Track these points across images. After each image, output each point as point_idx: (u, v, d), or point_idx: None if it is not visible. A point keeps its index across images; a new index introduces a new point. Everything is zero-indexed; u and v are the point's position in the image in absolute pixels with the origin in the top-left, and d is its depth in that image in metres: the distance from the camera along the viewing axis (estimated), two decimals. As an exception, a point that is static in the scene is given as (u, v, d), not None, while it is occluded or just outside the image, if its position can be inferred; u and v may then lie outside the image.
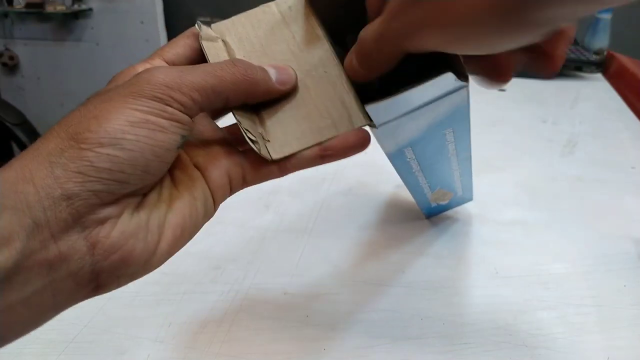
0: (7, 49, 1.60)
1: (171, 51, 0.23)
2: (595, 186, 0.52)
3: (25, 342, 0.20)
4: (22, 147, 0.89)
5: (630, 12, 1.09)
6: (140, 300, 0.35)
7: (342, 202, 0.48)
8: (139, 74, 0.20)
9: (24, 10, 1.50)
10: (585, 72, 1.01)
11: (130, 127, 0.18)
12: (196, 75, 0.20)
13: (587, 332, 0.33)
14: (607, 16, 1.01)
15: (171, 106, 0.19)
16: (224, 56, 0.22)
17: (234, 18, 0.23)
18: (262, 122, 0.22)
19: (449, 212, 0.46)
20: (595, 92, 0.93)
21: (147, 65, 0.22)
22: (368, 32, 0.20)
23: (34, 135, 0.91)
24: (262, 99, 0.22)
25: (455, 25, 0.17)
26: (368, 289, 0.37)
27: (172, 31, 1.48)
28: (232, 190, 0.23)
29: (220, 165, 0.23)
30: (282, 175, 0.24)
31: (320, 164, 0.23)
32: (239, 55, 0.22)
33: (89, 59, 1.55)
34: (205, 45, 0.22)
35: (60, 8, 1.47)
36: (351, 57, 0.21)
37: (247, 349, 0.31)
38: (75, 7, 1.48)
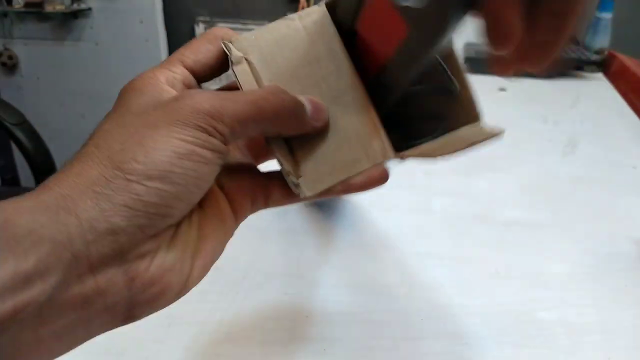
0: (6, 49, 1.59)
1: (192, 57, 0.21)
2: (595, 186, 0.52)
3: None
4: (21, 147, 0.89)
5: (631, 12, 1.09)
6: (139, 300, 0.35)
7: (343, 201, 0.48)
8: (180, 98, 0.18)
9: (23, 9, 1.50)
10: (586, 71, 1.01)
11: (178, 160, 0.17)
12: (238, 105, 0.19)
13: (588, 332, 0.33)
14: (608, 16, 1.01)
15: (214, 137, 0.18)
16: (251, 81, 0.21)
17: (256, 32, 0.21)
18: (293, 156, 0.21)
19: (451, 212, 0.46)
20: (596, 92, 0.93)
21: (167, 72, 0.20)
22: None
23: (33, 135, 0.91)
24: (295, 134, 0.21)
25: None
26: (368, 289, 0.37)
27: (172, 31, 1.48)
28: (252, 211, 0.23)
29: (244, 187, 0.22)
30: (303, 201, 0.23)
31: (342, 195, 0.23)
32: (265, 79, 0.21)
33: (88, 59, 1.55)
34: (237, 71, 0.20)
35: (59, 8, 1.46)
36: None
37: (247, 349, 0.31)
38: (75, 6, 1.48)
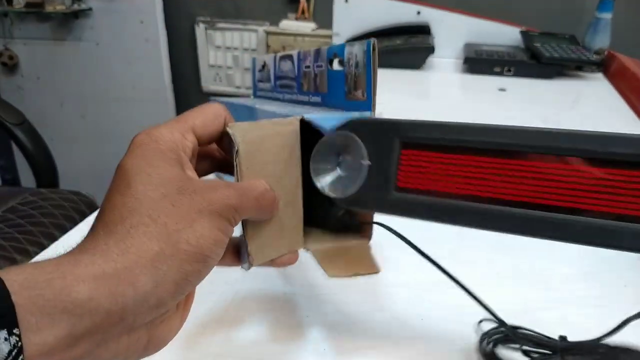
0: (6, 49, 1.59)
1: (201, 128, 0.24)
2: (595, 186, 0.52)
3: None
4: (22, 147, 0.89)
5: (631, 12, 1.09)
6: (139, 300, 0.35)
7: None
8: (215, 189, 0.21)
9: (23, 9, 1.49)
10: (585, 71, 1.01)
11: (215, 247, 0.21)
12: (249, 201, 0.23)
13: (588, 332, 0.33)
14: (607, 16, 1.01)
15: (232, 225, 0.22)
16: (239, 171, 0.24)
17: (247, 125, 0.24)
18: (245, 233, 0.25)
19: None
20: (595, 92, 0.93)
21: (183, 140, 0.23)
22: None
23: (34, 135, 0.91)
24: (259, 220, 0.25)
25: None
26: (368, 289, 0.37)
27: (172, 31, 1.48)
28: None
29: None
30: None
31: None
32: (244, 166, 0.24)
33: (88, 59, 1.54)
34: (237, 161, 0.24)
35: (60, 8, 1.46)
36: None
37: (247, 348, 0.31)
38: (75, 6, 1.47)
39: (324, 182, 0.26)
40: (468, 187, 0.22)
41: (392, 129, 0.24)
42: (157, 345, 0.21)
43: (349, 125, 0.25)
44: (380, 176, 0.24)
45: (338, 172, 0.26)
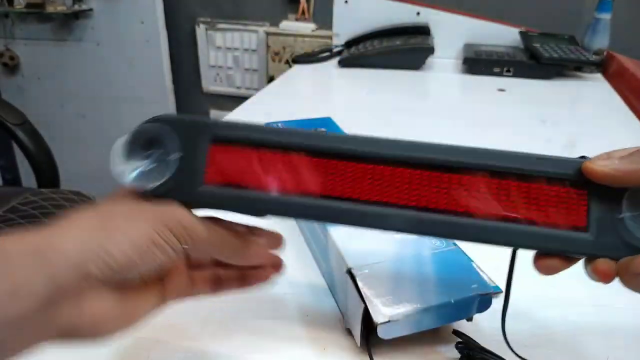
0: (7, 49, 1.59)
1: None
2: (594, 186, 0.52)
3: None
4: (23, 147, 0.89)
5: (630, 12, 1.09)
6: (141, 299, 0.35)
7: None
8: (175, 207, 0.24)
9: (24, 10, 1.49)
10: (585, 72, 1.01)
11: (152, 246, 0.22)
12: (205, 230, 0.25)
13: (587, 331, 0.33)
14: (606, 16, 1.01)
15: (179, 242, 0.23)
16: None
17: None
18: None
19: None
20: (594, 93, 0.93)
21: None
22: None
23: (34, 135, 0.91)
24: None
25: None
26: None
27: (173, 32, 1.48)
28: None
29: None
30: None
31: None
32: None
33: (89, 59, 1.54)
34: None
35: (60, 8, 1.46)
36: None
37: (247, 349, 0.31)
38: (76, 7, 1.48)
39: (132, 172, 0.26)
40: (275, 182, 0.25)
41: (202, 127, 0.26)
42: (87, 326, 0.22)
43: (161, 119, 0.26)
44: (189, 170, 0.25)
45: (147, 163, 0.26)
